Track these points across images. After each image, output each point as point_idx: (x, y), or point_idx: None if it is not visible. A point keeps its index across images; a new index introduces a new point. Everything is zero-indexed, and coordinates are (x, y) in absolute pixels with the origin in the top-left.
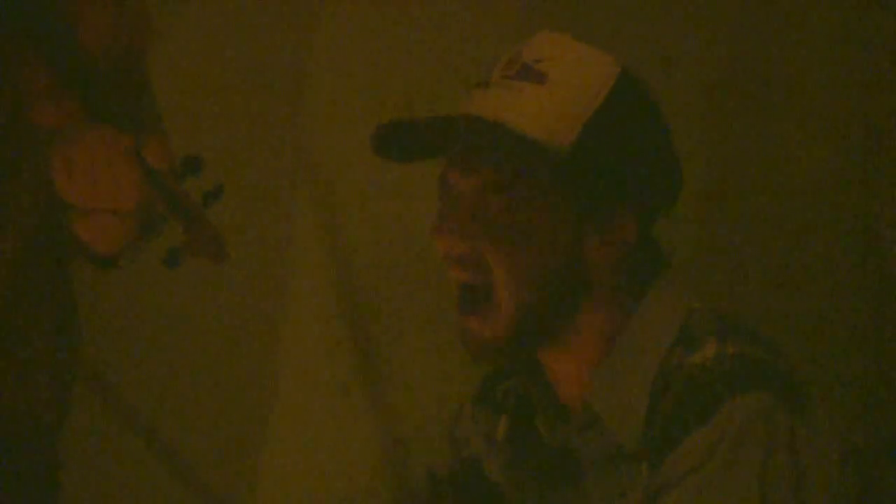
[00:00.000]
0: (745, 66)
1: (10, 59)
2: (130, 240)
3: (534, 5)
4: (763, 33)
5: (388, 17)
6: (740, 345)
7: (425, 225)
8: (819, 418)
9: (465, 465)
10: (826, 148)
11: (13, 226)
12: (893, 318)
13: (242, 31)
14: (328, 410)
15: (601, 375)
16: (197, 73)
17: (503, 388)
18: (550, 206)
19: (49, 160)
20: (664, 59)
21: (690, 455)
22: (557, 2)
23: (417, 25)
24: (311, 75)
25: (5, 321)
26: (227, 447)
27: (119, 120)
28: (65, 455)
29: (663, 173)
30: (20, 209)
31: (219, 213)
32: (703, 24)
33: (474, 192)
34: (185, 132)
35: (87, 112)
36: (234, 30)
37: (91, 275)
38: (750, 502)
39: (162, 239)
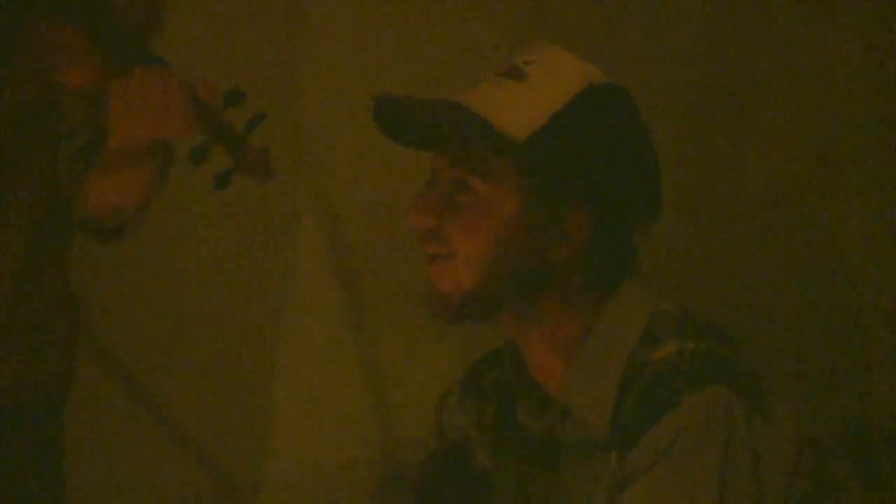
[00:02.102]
0: (716, 83)
1: (41, 25)
2: (140, 206)
3: (520, 16)
4: (731, 54)
5: (383, 14)
6: (700, 341)
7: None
8: (775, 410)
9: (450, 451)
10: (791, 157)
11: (26, 198)
12: (852, 314)
13: (234, 29)
14: (328, 391)
15: (574, 370)
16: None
17: (489, 376)
18: (507, 193)
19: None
20: (643, 76)
21: (653, 447)
22: (543, 13)
23: (412, 22)
24: (304, 72)
25: (18, 294)
26: (232, 419)
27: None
28: (73, 428)
29: (625, 177)
30: (33, 182)
31: (223, 197)
32: (679, 44)
33: (445, 170)
34: None
35: (113, 67)
36: (225, 29)
37: (104, 258)
38: (709, 492)
39: (209, 165)
